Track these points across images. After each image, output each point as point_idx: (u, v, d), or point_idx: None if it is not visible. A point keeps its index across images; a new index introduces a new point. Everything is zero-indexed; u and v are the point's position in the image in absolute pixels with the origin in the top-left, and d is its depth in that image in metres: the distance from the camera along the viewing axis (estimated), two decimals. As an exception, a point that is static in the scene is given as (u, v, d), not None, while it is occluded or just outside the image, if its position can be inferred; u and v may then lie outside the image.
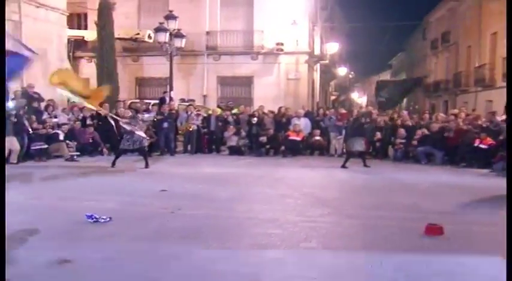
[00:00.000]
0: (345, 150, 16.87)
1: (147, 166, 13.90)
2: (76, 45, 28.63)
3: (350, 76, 70.84)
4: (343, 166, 14.76)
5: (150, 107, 19.73)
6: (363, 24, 67.70)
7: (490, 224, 7.69)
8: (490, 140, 15.20)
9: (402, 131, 17.30)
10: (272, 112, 20.08)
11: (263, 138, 18.18)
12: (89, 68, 27.50)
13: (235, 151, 18.30)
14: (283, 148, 18.29)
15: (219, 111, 20.47)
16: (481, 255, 6.02)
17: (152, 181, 11.69)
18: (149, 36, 26.50)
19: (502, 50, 28.22)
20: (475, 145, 15.52)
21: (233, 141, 18.47)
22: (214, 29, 29.06)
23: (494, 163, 14.57)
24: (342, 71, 53.71)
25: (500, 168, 13.70)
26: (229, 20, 29.07)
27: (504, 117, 16.87)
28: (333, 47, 40.28)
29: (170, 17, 21.48)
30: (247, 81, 29.63)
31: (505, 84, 25.19)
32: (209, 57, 29.45)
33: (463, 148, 15.98)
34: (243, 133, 18.52)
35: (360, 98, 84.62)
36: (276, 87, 28.70)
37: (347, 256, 6.01)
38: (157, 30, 21.56)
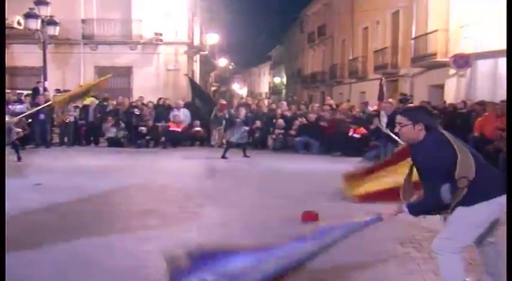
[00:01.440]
0: (224, 140, 16.99)
1: (19, 159, 13.24)
2: None
3: (230, 67, 71.54)
4: (223, 157, 14.88)
5: (22, 97, 18.77)
6: (243, 15, 68.33)
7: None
8: (362, 130, 15.93)
9: (281, 121, 17.66)
10: (152, 103, 19.81)
11: (143, 130, 17.92)
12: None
13: (114, 143, 17.88)
14: (163, 139, 18.11)
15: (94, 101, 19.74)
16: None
17: (26, 174, 11.16)
18: (19, 23, 25.06)
19: (372, 44, 29.74)
20: (349, 134, 16.22)
21: (112, 132, 18.02)
22: (90, 17, 28.07)
23: (366, 151, 15.33)
24: (222, 62, 54.07)
25: (372, 156, 14.42)
26: (105, 8, 28.09)
27: (376, 107, 17.79)
28: (213, 38, 40.47)
29: (41, 2, 20.44)
30: (126, 72, 28.90)
31: (376, 76, 26.59)
32: (86, 46, 28.34)
33: (337, 138, 16.63)
34: (122, 124, 18.13)
35: (240, 89, 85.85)
36: (156, 78, 28.30)
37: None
38: (27, 16, 20.49)
